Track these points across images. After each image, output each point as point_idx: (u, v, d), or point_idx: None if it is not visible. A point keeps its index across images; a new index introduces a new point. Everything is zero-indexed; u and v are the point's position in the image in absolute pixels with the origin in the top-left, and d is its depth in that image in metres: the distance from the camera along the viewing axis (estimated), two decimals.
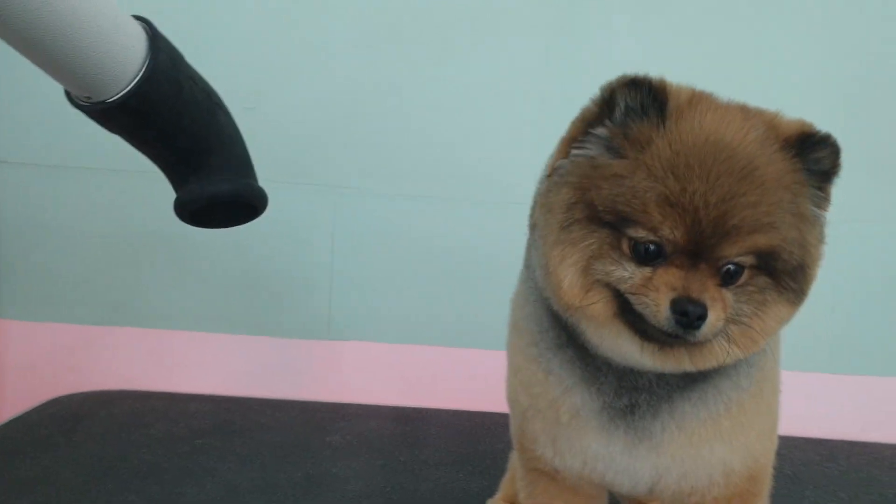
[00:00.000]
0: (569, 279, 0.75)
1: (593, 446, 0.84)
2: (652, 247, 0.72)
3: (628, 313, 0.74)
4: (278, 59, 1.80)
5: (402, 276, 1.83)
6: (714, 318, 0.70)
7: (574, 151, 0.78)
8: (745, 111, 0.76)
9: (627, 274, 0.73)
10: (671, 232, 0.71)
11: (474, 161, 1.79)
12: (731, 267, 0.73)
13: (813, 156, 0.74)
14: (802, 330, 1.80)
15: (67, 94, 1.07)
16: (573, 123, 0.80)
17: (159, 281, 1.83)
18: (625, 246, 0.74)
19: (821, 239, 0.77)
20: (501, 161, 1.79)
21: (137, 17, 1.07)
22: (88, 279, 1.82)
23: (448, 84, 1.80)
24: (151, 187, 1.72)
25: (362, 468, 1.41)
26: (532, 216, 0.84)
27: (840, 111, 1.81)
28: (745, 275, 0.74)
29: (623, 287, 0.73)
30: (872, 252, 1.85)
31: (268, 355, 1.84)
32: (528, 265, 0.89)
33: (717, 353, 0.74)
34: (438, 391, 1.82)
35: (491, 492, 1.27)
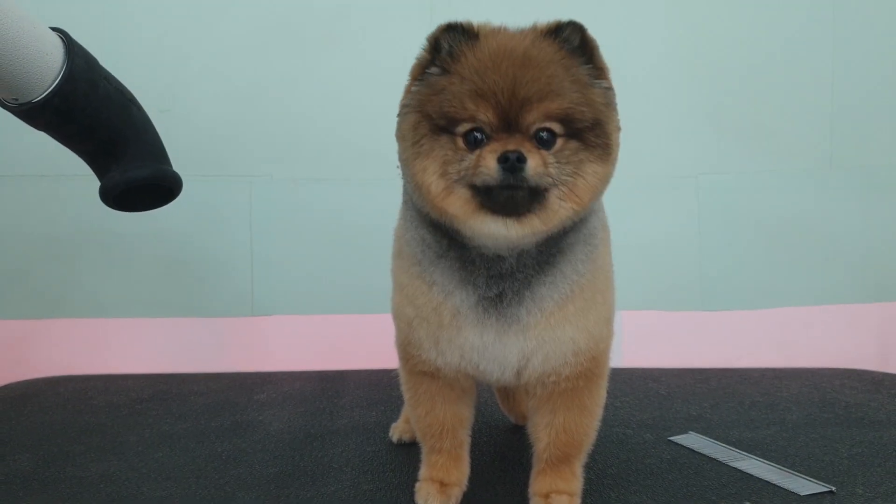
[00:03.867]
0: (433, 184, 0.95)
1: (470, 338, 1.03)
2: (477, 134, 0.94)
3: (486, 201, 0.94)
4: (186, 64, 1.99)
5: (315, 253, 2.03)
6: (534, 164, 0.91)
7: (413, 89, 1.00)
8: (526, 30, 0.99)
9: (467, 162, 0.94)
10: (484, 115, 0.92)
11: (371, 143, 1.95)
12: (543, 134, 0.94)
13: (563, 36, 0.96)
14: (677, 274, 2.07)
15: None
16: (412, 69, 1.03)
17: (91, 274, 1.99)
18: (460, 142, 0.95)
19: (609, 102, 0.98)
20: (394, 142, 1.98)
21: (54, 29, 1.25)
22: (23, 277, 1.98)
23: (341, 73, 2.01)
24: (77, 189, 1.91)
25: (285, 416, 1.60)
26: (398, 153, 1.05)
27: (684, 78, 2.06)
28: (559, 142, 0.95)
29: (467, 173, 0.94)
30: (733, 201, 2.11)
31: (197, 335, 2.02)
32: (405, 196, 1.10)
33: (557, 210, 0.94)
34: (356, 354, 2.01)
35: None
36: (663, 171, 2.07)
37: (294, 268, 2.03)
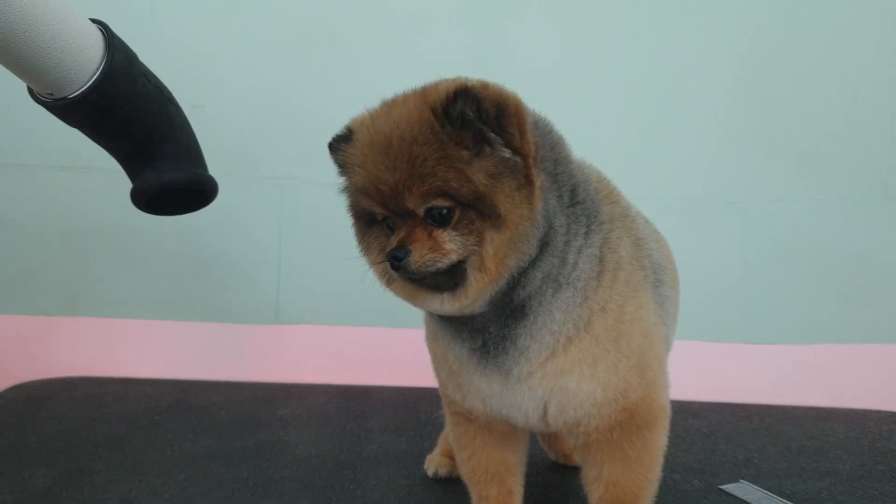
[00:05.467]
0: (379, 274, 0.98)
1: (482, 385, 1.00)
2: (387, 223, 0.94)
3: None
4: (220, 58, 1.91)
5: (344, 262, 1.94)
6: (418, 254, 0.88)
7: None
8: (411, 99, 0.93)
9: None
10: (377, 209, 0.93)
11: None
12: (435, 213, 0.89)
13: (454, 110, 0.87)
14: (717, 304, 1.99)
15: (30, 91, 1.16)
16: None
17: (112, 271, 1.92)
18: (387, 230, 0.95)
19: (499, 174, 0.87)
20: None
21: (94, 21, 1.18)
22: (43, 272, 1.91)
23: (383, 76, 1.91)
24: (101, 183, 1.83)
25: (311, 436, 1.53)
26: None
27: (733, 99, 1.96)
28: (457, 214, 0.89)
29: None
30: (781, 229, 2.02)
31: (217, 340, 1.95)
32: None
33: (475, 283, 0.90)
34: (381, 369, 1.94)
35: (431, 451, 1.40)
36: (709, 195, 1.99)
37: (322, 276, 1.95)
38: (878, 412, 1.91)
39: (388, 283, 0.96)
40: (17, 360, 1.87)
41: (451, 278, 0.90)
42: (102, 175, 1.80)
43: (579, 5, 1.94)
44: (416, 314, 1.91)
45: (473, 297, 0.91)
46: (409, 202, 0.89)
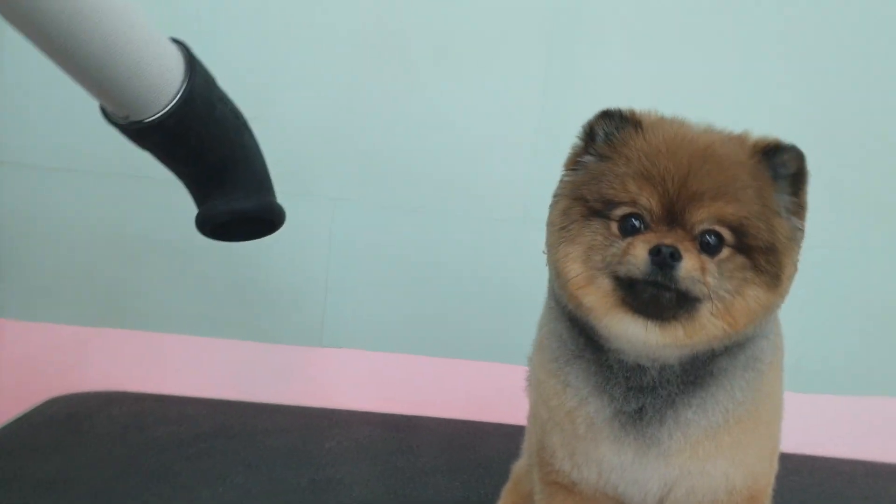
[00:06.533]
0: (574, 270, 0.86)
1: (608, 456, 0.91)
2: (635, 221, 0.84)
3: (628, 296, 0.83)
4: (278, 71, 1.84)
5: (394, 288, 1.89)
6: (689, 265, 0.80)
7: (566, 178, 0.93)
8: (726, 132, 0.90)
9: (615, 249, 0.84)
10: (647, 200, 0.83)
11: (470, 176, 1.86)
12: (709, 237, 0.83)
13: (777, 160, 0.87)
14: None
15: (103, 110, 1.11)
16: (566, 160, 0.94)
17: (154, 283, 1.86)
18: (614, 227, 0.85)
19: (793, 238, 0.87)
20: (496, 177, 1.86)
21: (175, 40, 1.12)
22: (83, 280, 1.85)
23: (446, 98, 1.85)
24: (148, 192, 1.78)
25: (363, 474, 1.47)
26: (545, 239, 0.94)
27: (808, 141, 1.90)
28: (725, 252, 0.83)
29: (612, 261, 0.84)
30: (840, 276, 1.96)
31: (261, 361, 1.88)
32: (549, 284, 0.98)
33: (706, 325, 0.82)
34: (425, 400, 1.89)
35: (490, 500, 1.34)
36: None
37: (370, 300, 1.89)
38: None
39: (585, 285, 0.85)
40: (53, 370, 1.81)
41: (675, 308, 0.82)
42: (150, 184, 1.73)
43: (659, 34, 1.89)
44: (462, 345, 1.88)
45: (696, 339, 0.83)
46: (697, 213, 0.82)
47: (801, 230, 0.88)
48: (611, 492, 0.96)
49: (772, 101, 1.91)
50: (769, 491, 1.00)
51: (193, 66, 1.12)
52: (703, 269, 0.81)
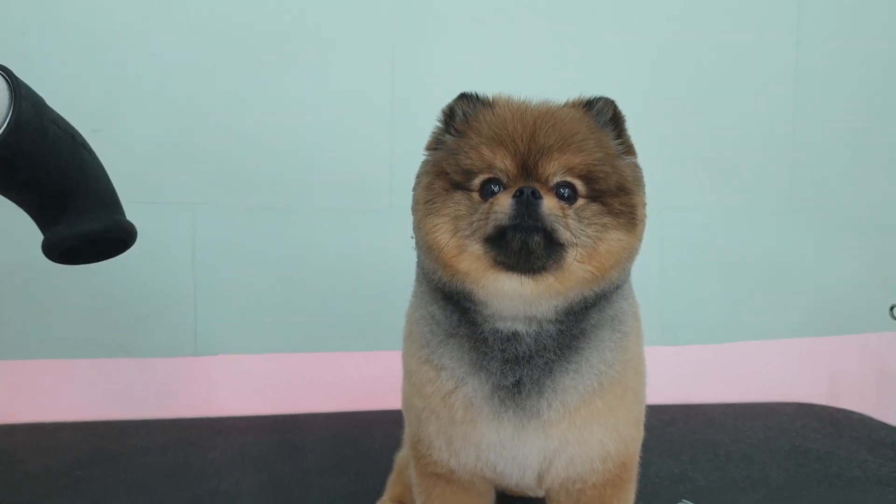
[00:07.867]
0: (443, 240, 0.89)
1: (486, 435, 0.94)
2: (494, 186, 0.90)
3: (499, 255, 0.87)
4: (123, 79, 1.78)
5: (264, 287, 1.88)
6: (551, 203, 0.86)
7: (427, 158, 0.98)
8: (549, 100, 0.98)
9: (480, 213, 0.88)
10: (501, 161, 0.89)
11: (328, 172, 1.86)
12: (564, 190, 0.89)
13: (595, 109, 0.96)
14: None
15: None
16: (427, 142, 0.99)
17: (12, 311, 1.78)
18: (475, 196, 0.90)
19: (637, 178, 0.96)
20: (352, 170, 1.88)
21: None
22: None
23: (294, 95, 1.85)
24: None
25: (248, 483, 1.46)
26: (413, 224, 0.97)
27: (645, 108, 2.00)
28: (580, 202, 0.90)
29: (480, 225, 0.88)
30: (693, 236, 2.09)
31: (134, 377, 1.84)
32: (417, 271, 1.01)
33: (574, 270, 0.87)
34: (310, 396, 1.89)
35: (377, 492, 1.35)
36: None
37: (241, 303, 1.87)
38: (787, 404, 2.04)
39: (457, 253, 0.88)
40: None
41: (544, 255, 0.86)
42: None
43: (490, 24, 1.93)
44: (337, 337, 1.89)
45: (567, 284, 0.87)
46: (549, 166, 0.89)
47: (638, 167, 0.97)
48: (489, 473, 0.98)
49: (606, 71, 2.00)
50: (637, 458, 1.04)
51: (19, 91, 1.06)
52: (563, 213, 0.86)
